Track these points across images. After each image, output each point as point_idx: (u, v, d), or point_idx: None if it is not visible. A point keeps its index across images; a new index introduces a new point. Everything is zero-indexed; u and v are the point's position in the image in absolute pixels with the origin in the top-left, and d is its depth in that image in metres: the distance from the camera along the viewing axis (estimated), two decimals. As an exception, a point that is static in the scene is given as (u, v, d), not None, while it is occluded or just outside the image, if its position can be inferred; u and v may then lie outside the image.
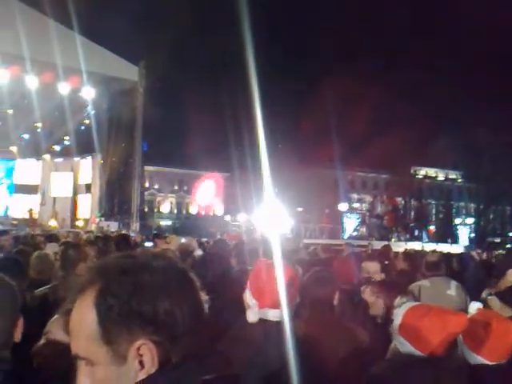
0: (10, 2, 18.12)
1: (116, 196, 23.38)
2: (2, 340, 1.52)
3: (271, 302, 2.06)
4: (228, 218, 48.21)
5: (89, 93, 21.56)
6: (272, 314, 2.07)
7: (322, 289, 2.71)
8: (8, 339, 1.54)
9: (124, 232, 14.17)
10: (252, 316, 2.11)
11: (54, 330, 1.96)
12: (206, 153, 52.21)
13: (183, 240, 8.81)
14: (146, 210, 38.77)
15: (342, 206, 45.32)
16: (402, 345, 1.86)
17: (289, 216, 35.75)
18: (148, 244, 8.57)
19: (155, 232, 11.99)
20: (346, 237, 39.12)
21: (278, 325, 2.04)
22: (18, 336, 1.58)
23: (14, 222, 21.17)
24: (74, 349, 0.95)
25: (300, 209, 44.25)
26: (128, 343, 0.90)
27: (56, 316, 2.02)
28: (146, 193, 40.52)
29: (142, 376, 0.90)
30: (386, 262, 5.68)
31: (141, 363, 0.90)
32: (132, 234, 14.42)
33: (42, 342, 1.96)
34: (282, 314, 2.04)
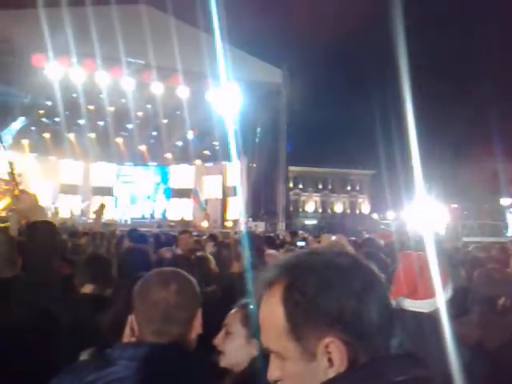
0: (164, 19, 19.46)
1: (262, 197, 23.86)
2: (184, 330, 1.64)
3: (406, 291, 2.03)
4: (375, 216, 46.73)
5: (235, 99, 22.28)
6: (407, 304, 2.03)
7: (489, 288, 2.67)
8: (189, 330, 1.66)
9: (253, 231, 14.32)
10: None
11: (232, 322, 2.06)
12: (351, 151, 51.25)
13: (333, 238, 8.65)
14: (291, 209, 39.19)
15: (505, 201, 41.27)
16: None
17: (443, 213, 33.45)
18: (300, 243, 8.50)
19: (292, 230, 11.93)
20: (510, 234, 35.36)
21: (413, 314, 2.02)
22: (198, 327, 1.71)
23: (172, 224, 22.67)
24: (264, 342, 0.98)
25: (455, 205, 41.25)
26: (316, 340, 0.91)
27: (234, 309, 2.13)
28: (290, 193, 40.99)
29: (331, 374, 0.90)
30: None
31: (330, 361, 0.90)
32: (283, 233, 14.52)
33: (222, 333, 2.06)
34: (417, 303, 2.01)
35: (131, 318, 1.69)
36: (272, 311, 0.95)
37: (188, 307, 1.67)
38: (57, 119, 22.93)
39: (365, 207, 59.25)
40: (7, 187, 20.13)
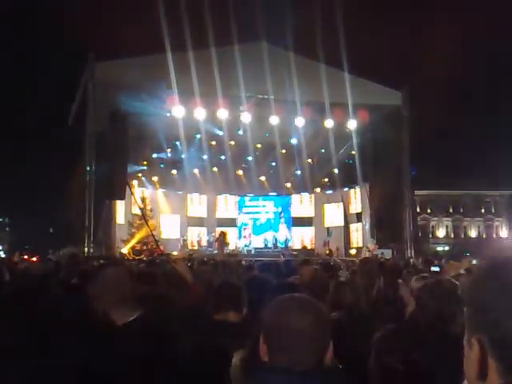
0: (283, 54, 19.82)
1: (387, 223, 22.89)
2: (316, 360, 1.61)
3: None
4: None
5: (353, 124, 21.91)
6: None
7: None
8: (320, 361, 1.63)
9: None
10: None
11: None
12: (484, 171, 48.00)
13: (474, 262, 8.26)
14: (420, 235, 37.43)
15: None
16: None
17: None
18: (435, 269, 8.06)
19: (427, 258, 11.23)
20: None
21: None
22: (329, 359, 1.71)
23: (294, 253, 22.67)
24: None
25: None
26: None
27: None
28: (418, 218, 39.13)
29: None
30: None
31: None
32: (414, 261, 13.80)
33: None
34: None
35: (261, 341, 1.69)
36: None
37: (321, 337, 1.63)
38: (183, 156, 24.27)
39: (502, 231, 54.64)
40: (140, 222, 21.63)
